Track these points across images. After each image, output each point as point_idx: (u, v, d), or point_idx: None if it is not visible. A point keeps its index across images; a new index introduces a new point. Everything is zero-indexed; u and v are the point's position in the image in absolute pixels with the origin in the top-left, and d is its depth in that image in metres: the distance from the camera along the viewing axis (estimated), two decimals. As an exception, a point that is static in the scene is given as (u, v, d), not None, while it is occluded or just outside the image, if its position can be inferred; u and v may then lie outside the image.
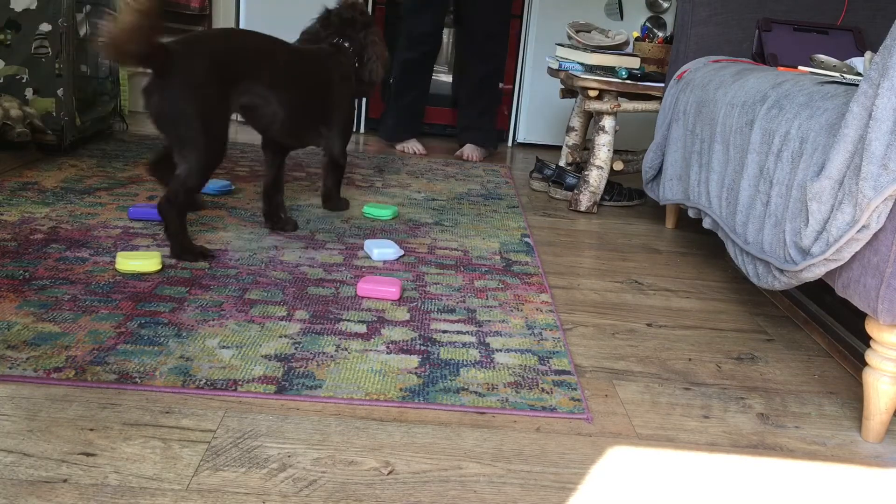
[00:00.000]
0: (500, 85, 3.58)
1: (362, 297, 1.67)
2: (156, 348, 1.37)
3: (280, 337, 1.46)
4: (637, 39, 3.13)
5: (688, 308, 1.84)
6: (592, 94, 2.69)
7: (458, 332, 1.55)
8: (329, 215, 2.30)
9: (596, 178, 2.68)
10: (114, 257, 1.77)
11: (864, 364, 1.29)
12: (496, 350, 1.49)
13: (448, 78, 3.97)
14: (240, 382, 1.28)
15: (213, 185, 2.39)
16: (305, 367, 1.35)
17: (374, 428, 1.19)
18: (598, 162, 2.68)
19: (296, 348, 1.42)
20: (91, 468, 1.03)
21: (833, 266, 1.30)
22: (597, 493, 1.09)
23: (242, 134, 3.52)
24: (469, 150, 3.47)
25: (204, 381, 1.27)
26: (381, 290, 1.68)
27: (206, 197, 2.37)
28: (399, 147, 3.50)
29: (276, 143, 2.11)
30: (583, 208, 2.68)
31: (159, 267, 1.72)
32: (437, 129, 3.97)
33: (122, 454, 1.07)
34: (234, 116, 1.93)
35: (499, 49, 3.47)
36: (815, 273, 1.35)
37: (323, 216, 2.29)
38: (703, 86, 2.14)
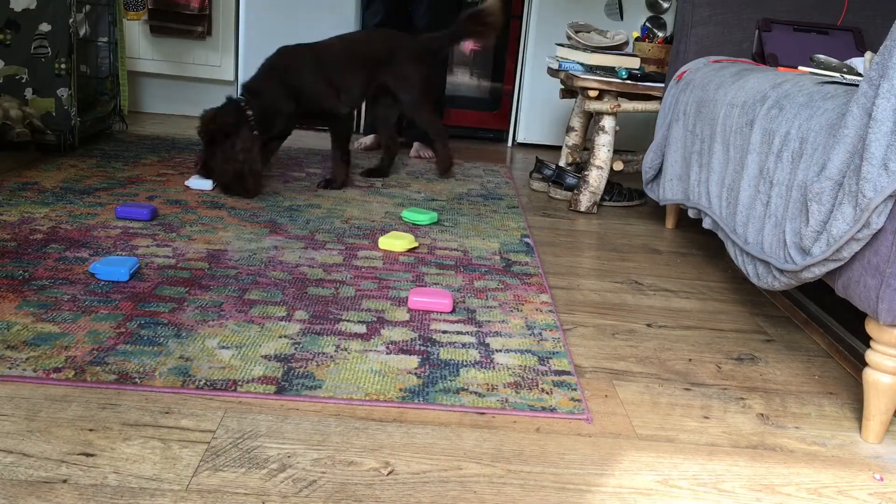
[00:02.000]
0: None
1: (413, 310, 1.63)
2: (155, 348, 1.37)
3: (280, 337, 1.46)
4: (637, 40, 3.13)
5: (688, 308, 1.84)
6: (592, 94, 2.69)
7: (458, 333, 1.55)
8: (329, 215, 2.30)
9: (596, 178, 2.68)
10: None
11: (864, 364, 1.29)
12: (496, 350, 1.49)
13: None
14: (239, 383, 1.28)
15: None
16: (305, 368, 1.35)
17: (374, 428, 1.19)
18: (597, 162, 2.68)
19: (295, 348, 1.42)
20: (90, 468, 1.03)
21: (833, 266, 1.30)
22: (596, 493, 1.09)
23: (242, 134, 3.52)
24: (416, 149, 3.39)
25: (203, 381, 1.27)
26: (434, 302, 1.64)
27: (201, 197, 2.37)
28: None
29: None
30: (583, 208, 2.68)
31: (414, 245, 2.05)
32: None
33: (121, 454, 1.07)
34: None
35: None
36: (815, 273, 1.35)
37: (323, 216, 2.29)
38: (703, 86, 2.14)
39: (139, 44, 3.68)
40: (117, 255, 1.80)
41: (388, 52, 2.74)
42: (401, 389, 1.31)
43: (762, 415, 1.36)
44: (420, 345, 1.48)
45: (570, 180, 2.82)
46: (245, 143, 2.36)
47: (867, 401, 1.28)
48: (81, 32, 2.92)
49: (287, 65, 2.54)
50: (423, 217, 2.29)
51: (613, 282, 1.98)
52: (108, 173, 2.55)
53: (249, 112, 2.40)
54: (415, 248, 2.06)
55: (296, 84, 2.52)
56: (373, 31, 3.02)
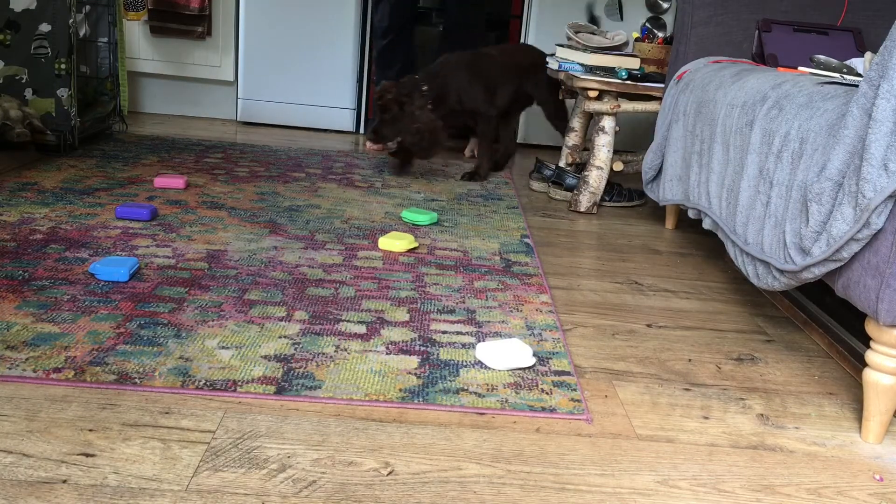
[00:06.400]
0: None
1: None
2: (155, 349, 1.37)
3: (279, 337, 1.46)
4: (637, 40, 3.13)
5: (688, 309, 1.84)
6: (592, 94, 2.69)
7: (458, 333, 1.55)
8: (329, 215, 2.30)
9: (596, 178, 2.68)
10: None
11: (864, 365, 1.29)
12: (496, 351, 1.49)
13: None
14: (239, 383, 1.28)
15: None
16: (305, 368, 1.35)
17: (374, 429, 1.19)
18: (597, 162, 2.68)
19: (295, 349, 1.42)
20: (90, 469, 1.03)
21: (833, 267, 1.30)
22: (596, 493, 1.09)
23: (242, 134, 3.53)
24: (473, 145, 3.55)
25: (203, 381, 1.27)
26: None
27: (201, 197, 2.37)
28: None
29: None
30: (582, 209, 2.68)
31: (415, 245, 2.06)
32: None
33: (121, 455, 1.07)
34: None
35: (478, 38, 3.57)
36: (814, 274, 1.35)
37: (323, 216, 2.29)
38: (702, 86, 2.14)
39: (139, 44, 3.68)
40: (117, 255, 1.80)
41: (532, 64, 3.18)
42: (401, 390, 1.31)
43: (762, 415, 1.36)
44: (420, 345, 1.48)
45: (570, 181, 2.82)
46: (420, 103, 2.74)
47: (867, 401, 1.28)
48: (81, 32, 2.92)
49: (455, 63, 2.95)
50: (422, 217, 2.29)
51: (613, 282, 1.98)
52: (107, 173, 2.55)
53: (424, 87, 2.80)
54: (415, 248, 2.06)
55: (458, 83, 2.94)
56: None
